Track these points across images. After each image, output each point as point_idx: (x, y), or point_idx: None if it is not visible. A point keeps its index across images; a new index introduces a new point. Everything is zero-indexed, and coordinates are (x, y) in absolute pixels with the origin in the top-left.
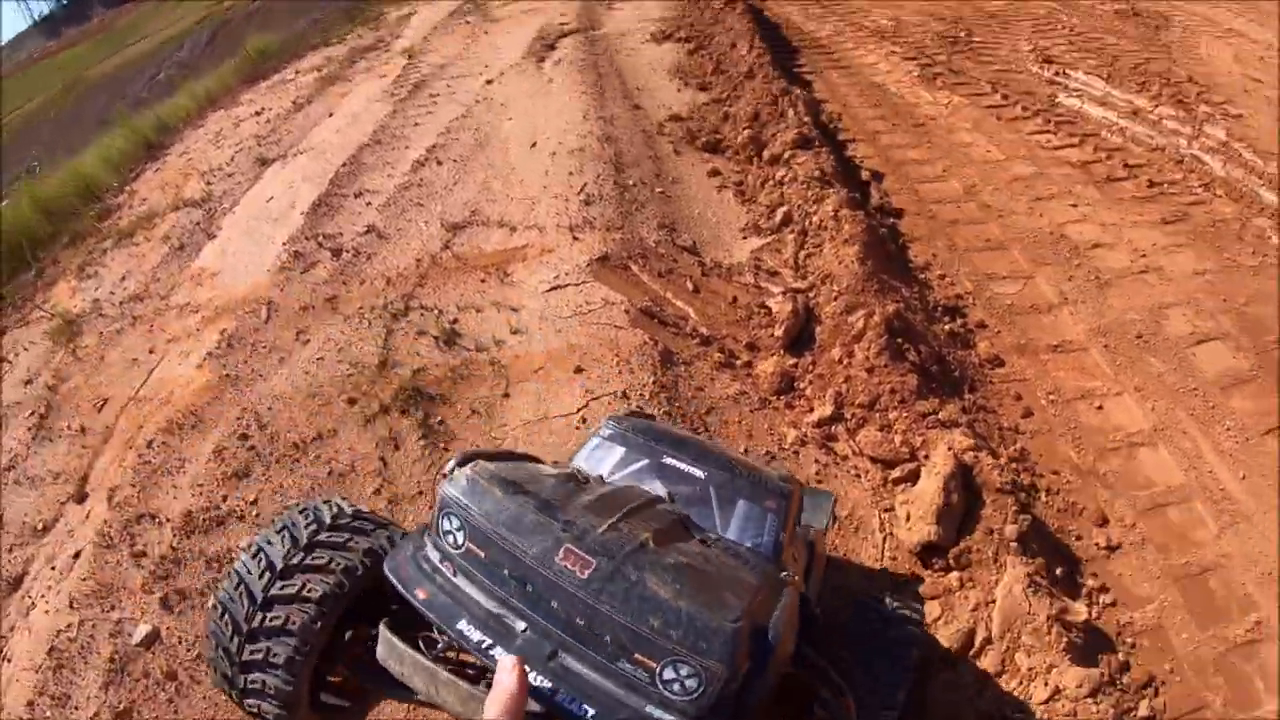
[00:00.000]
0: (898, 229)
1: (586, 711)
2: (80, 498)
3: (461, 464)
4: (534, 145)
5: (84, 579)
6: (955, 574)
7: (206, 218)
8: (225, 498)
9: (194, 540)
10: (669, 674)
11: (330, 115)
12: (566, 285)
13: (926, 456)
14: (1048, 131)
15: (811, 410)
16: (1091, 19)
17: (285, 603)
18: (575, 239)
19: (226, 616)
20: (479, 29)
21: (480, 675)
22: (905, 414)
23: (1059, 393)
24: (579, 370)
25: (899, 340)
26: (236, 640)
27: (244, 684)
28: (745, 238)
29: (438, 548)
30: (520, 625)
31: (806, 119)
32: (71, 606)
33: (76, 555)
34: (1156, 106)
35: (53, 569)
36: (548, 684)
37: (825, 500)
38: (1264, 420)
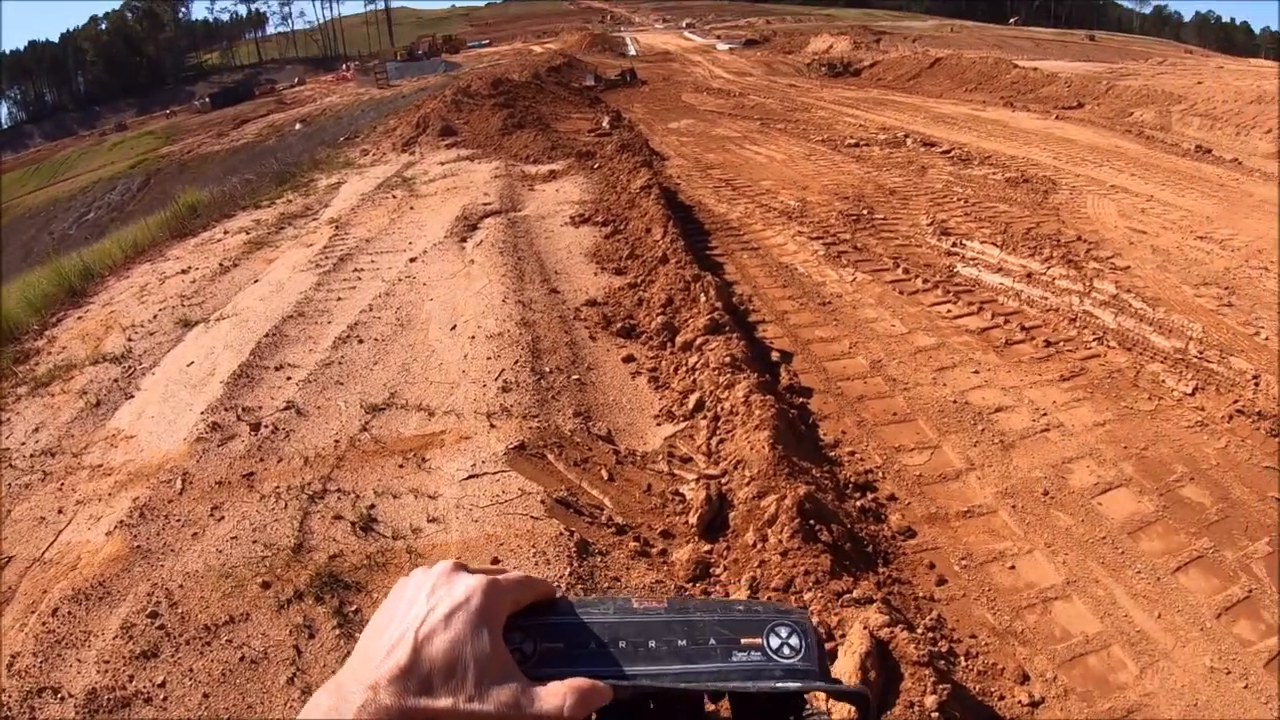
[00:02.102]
0: (807, 408)
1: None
2: None
3: None
4: (454, 328)
5: None
6: None
7: (125, 376)
8: (132, 678)
9: None
10: (775, 640)
11: (255, 281)
12: (484, 474)
13: (843, 636)
14: (948, 302)
15: (727, 596)
16: (985, 188)
17: None
18: (492, 426)
19: None
20: (405, 203)
21: None
22: (820, 595)
23: (971, 557)
24: (495, 561)
25: (811, 522)
26: None
27: None
28: (659, 424)
29: None
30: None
31: (718, 304)
32: None
33: None
34: (1049, 268)
35: None
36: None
37: None
38: (1174, 558)
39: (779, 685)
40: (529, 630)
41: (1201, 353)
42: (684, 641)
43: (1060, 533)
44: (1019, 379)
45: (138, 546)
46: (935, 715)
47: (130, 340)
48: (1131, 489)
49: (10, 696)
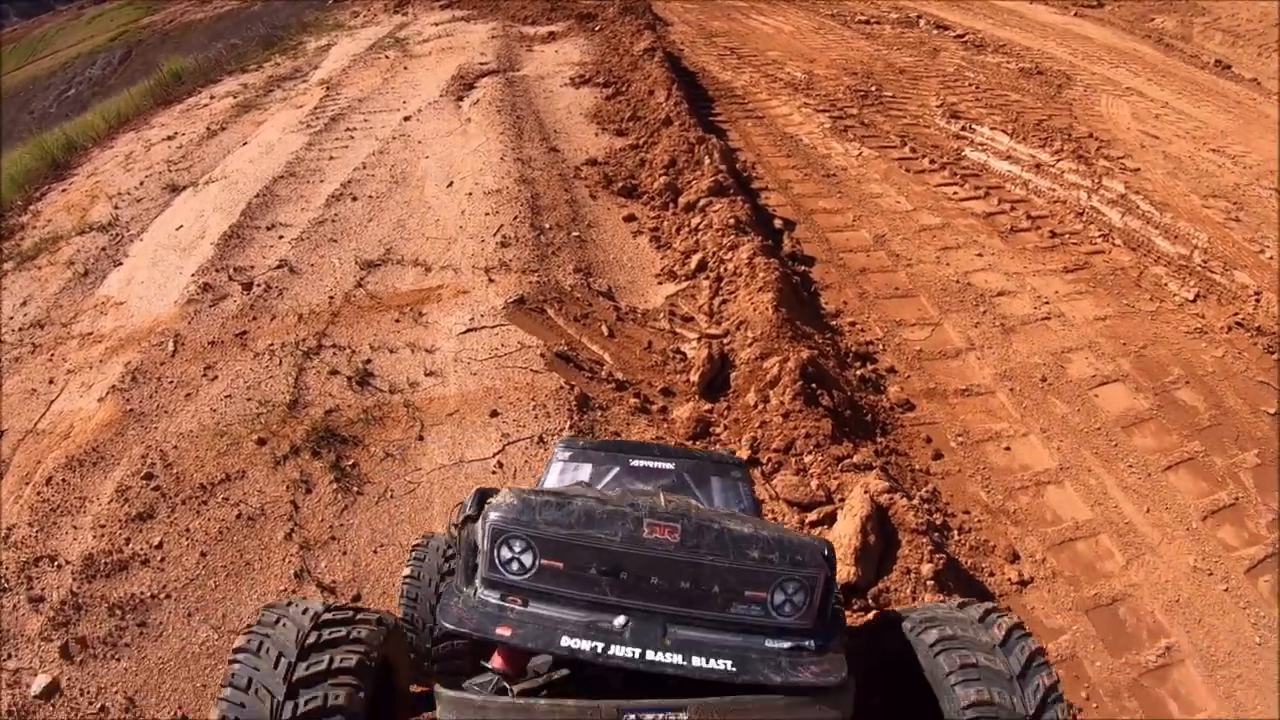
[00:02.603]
0: (809, 276)
1: (725, 666)
2: None
3: (480, 501)
4: (450, 185)
5: None
6: (875, 613)
7: (113, 244)
8: (128, 540)
9: (95, 585)
10: (779, 597)
11: (244, 144)
12: (482, 328)
13: (843, 499)
14: (954, 184)
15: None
16: (998, 76)
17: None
18: (491, 281)
19: None
20: (398, 64)
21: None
22: (821, 458)
23: (967, 435)
24: (494, 414)
25: (813, 386)
26: None
27: None
28: (660, 283)
29: (496, 585)
30: (620, 620)
31: (722, 167)
32: None
33: None
34: (1058, 161)
35: None
36: (676, 659)
37: None
38: (1165, 456)
39: (769, 645)
40: (532, 542)
41: (1205, 262)
42: (687, 584)
43: (1056, 419)
44: (1022, 265)
45: (130, 410)
46: (930, 583)
47: (117, 208)
48: (1128, 385)
49: (8, 569)
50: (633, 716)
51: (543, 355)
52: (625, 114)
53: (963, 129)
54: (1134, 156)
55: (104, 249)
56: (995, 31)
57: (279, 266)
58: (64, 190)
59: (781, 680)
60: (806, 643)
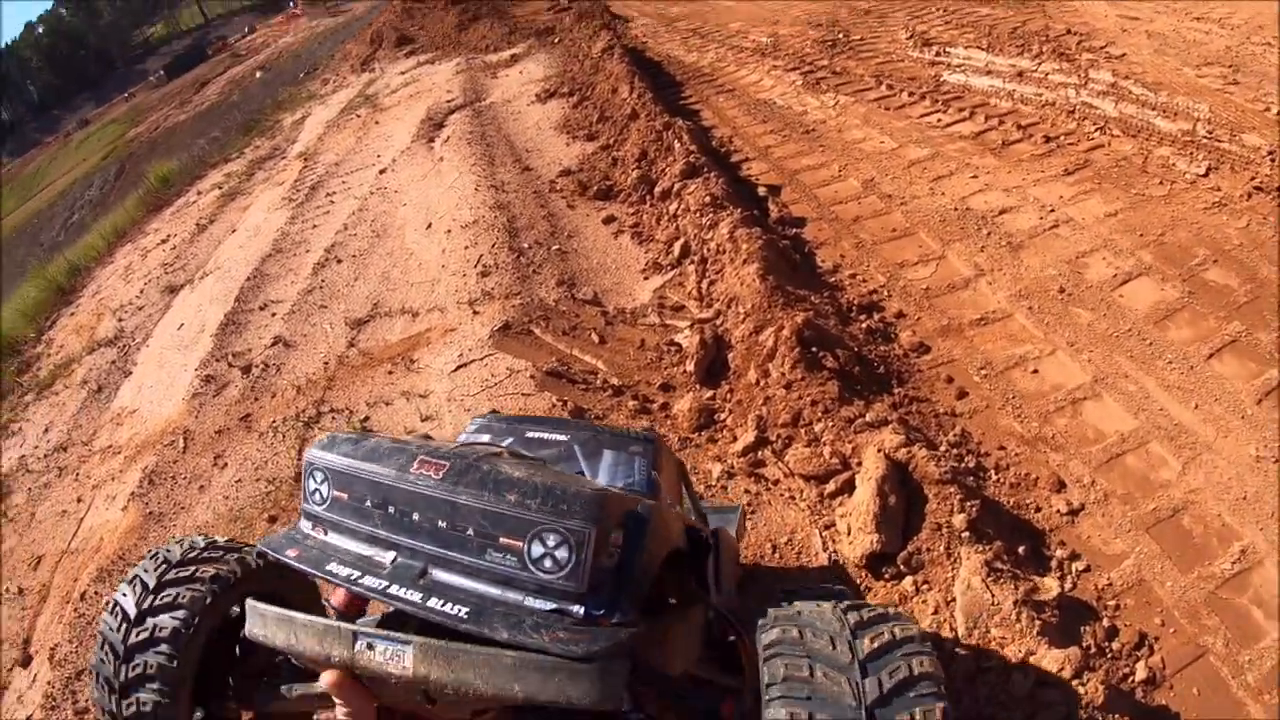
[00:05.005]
0: (801, 237)
1: (457, 612)
2: (25, 661)
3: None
4: (429, 227)
5: None
6: (909, 579)
7: (121, 355)
8: None
9: None
10: (537, 549)
11: (233, 231)
12: (471, 362)
13: (859, 464)
14: (937, 111)
15: (735, 440)
16: None
17: (142, 649)
18: (475, 313)
19: (100, 679)
20: (369, 120)
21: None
22: (831, 423)
23: (991, 366)
24: None
25: (813, 349)
26: (113, 699)
27: None
28: (647, 278)
29: (308, 516)
30: (389, 556)
31: (692, 148)
32: None
33: None
34: (1040, 64)
35: None
36: (415, 596)
37: (732, 513)
38: (1205, 344)
39: (525, 602)
40: (327, 473)
41: (1211, 132)
42: (444, 523)
43: (1082, 330)
44: (1021, 178)
45: (150, 513)
46: (966, 535)
47: (121, 321)
48: (1152, 277)
49: (54, 687)
50: (365, 643)
51: (532, 377)
52: (593, 118)
53: (937, 54)
54: (1117, 42)
55: (113, 362)
56: None
57: (274, 344)
58: (72, 314)
59: (508, 637)
60: (573, 608)
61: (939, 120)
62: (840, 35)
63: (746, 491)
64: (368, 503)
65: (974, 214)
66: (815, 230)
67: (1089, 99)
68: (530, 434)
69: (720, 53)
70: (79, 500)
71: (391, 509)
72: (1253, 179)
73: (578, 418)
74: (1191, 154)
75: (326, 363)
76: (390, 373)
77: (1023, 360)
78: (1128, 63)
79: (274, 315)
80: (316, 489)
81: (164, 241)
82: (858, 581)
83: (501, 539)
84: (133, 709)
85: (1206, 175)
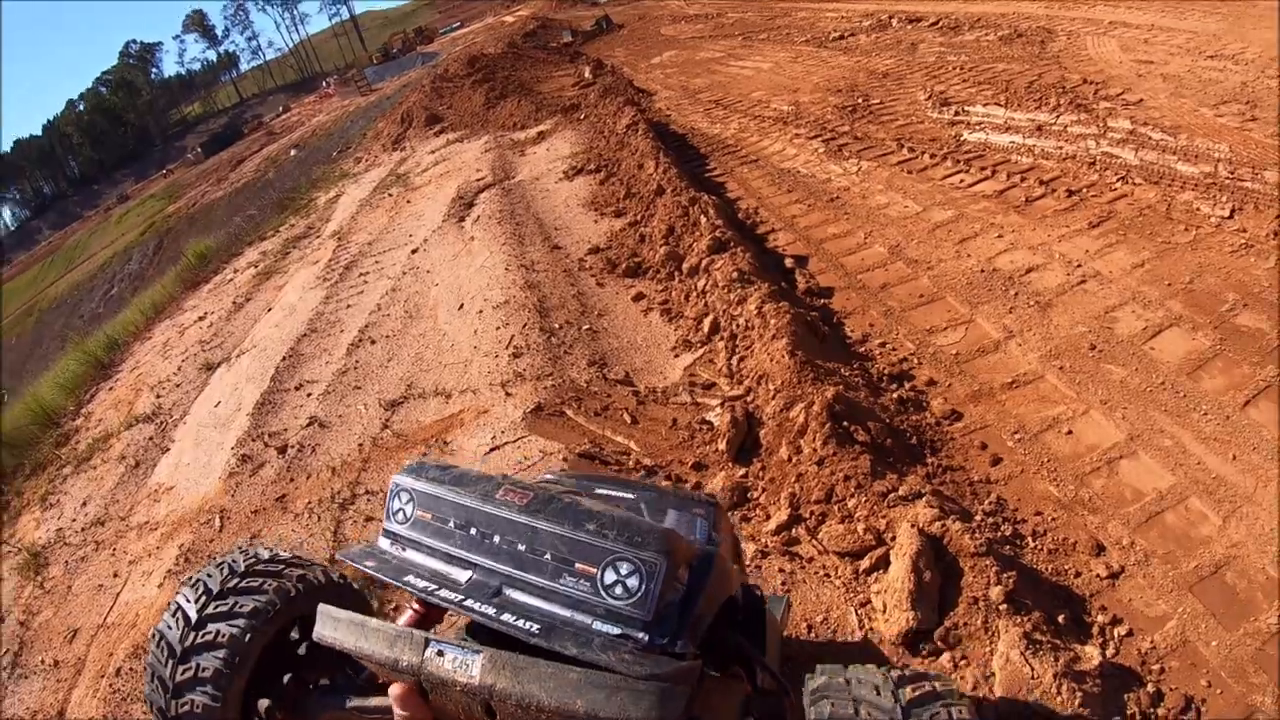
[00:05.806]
0: (829, 307)
1: (531, 627)
2: None
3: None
4: (461, 307)
5: None
6: (946, 655)
7: (159, 432)
8: None
9: None
10: (610, 576)
11: (269, 310)
12: (504, 444)
13: (893, 538)
14: (959, 171)
15: (768, 518)
16: (979, 51)
17: (198, 652)
18: (508, 395)
19: (155, 677)
20: (402, 199)
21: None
22: (864, 499)
23: (1024, 429)
24: None
25: (844, 424)
26: (165, 698)
27: None
28: (677, 355)
29: (388, 534)
30: (465, 574)
31: (718, 222)
32: None
33: None
34: (1058, 116)
35: None
36: (489, 610)
37: (778, 603)
38: (1239, 392)
39: (593, 625)
40: (413, 494)
41: (1233, 172)
42: (524, 547)
43: (1115, 386)
44: (1046, 234)
45: None
46: (1003, 607)
47: (159, 397)
48: (1183, 327)
49: None
50: (436, 649)
51: (565, 459)
52: (620, 194)
53: (956, 114)
54: (1133, 89)
55: (151, 438)
56: (967, 8)
57: (309, 424)
58: (110, 388)
59: (577, 653)
60: (639, 634)
61: (961, 180)
62: (860, 100)
63: (780, 570)
64: (450, 524)
65: (1001, 274)
66: (843, 299)
67: (1109, 148)
68: (599, 490)
69: (743, 123)
70: (115, 575)
71: (473, 530)
72: (1278, 216)
73: (643, 482)
74: (1215, 196)
75: (361, 444)
76: (424, 455)
77: (1056, 422)
78: (1145, 108)
79: (309, 395)
80: (400, 509)
81: (201, 319)
82: (894, 659)
83: (577, 564)
84: (185, 708)
85: (1231, 217)
